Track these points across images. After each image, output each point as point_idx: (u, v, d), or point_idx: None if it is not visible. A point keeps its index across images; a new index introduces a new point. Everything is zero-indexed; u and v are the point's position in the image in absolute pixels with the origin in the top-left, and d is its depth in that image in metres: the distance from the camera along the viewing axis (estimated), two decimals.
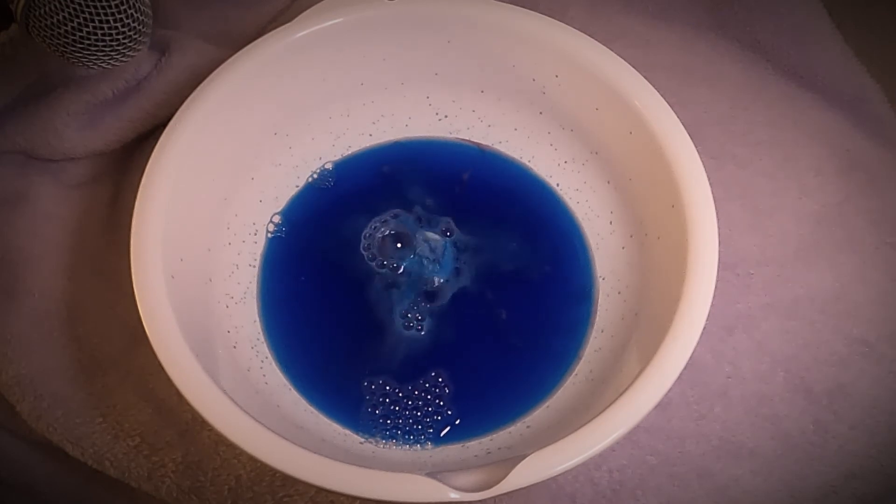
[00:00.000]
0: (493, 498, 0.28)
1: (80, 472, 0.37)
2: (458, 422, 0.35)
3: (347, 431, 0.35)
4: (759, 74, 0.45)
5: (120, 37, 0.35)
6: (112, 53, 0.35)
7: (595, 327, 0.37)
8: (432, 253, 0.38)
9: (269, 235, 0.40)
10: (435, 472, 0.28)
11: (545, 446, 0.29)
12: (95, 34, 0.34)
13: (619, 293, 0.37)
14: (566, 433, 0.29)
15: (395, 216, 0.40)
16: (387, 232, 0.39)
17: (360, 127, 0.41)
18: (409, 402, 0.36)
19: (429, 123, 0.42)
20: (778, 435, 0.36)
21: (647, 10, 0.47)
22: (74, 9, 0.33)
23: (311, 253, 0.39)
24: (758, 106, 0.44)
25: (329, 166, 0.41)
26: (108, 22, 0.34)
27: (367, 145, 0.42)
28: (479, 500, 0.28)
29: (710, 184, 0.33)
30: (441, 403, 0.36)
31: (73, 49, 0.34)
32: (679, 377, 0.30)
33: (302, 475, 0.28)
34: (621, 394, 0.30)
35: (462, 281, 0.38)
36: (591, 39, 0.37)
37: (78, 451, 0.36)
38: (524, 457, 0.28)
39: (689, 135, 0.34)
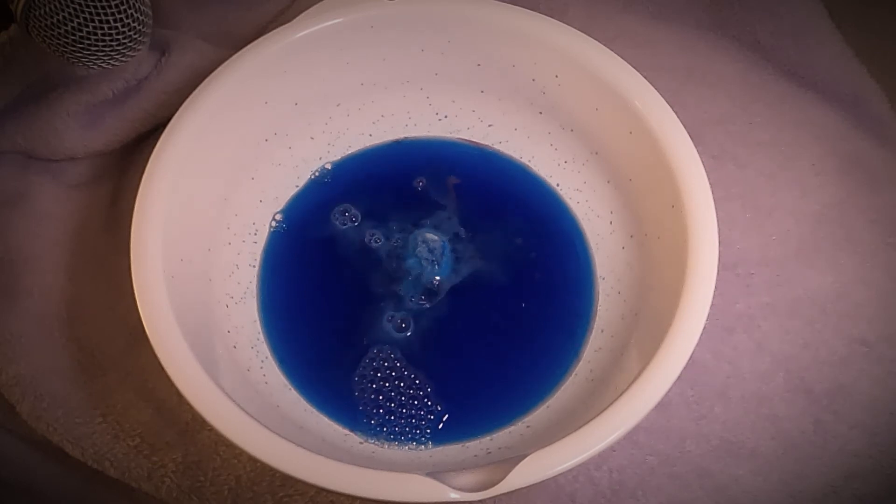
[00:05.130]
0: (493, 498, 0.28)
1: (80, 472, 0.37)
2: (457, 422, 0.35)
3: (347, 431, 0.35)
4: (759, 74, 0.45)
5: (120, 37, 0.35)
6: (112, 53, 0.35)
7: (595, 327, 0.37)
8: (431, 254, 0.38)
9: (269, 236, 0.40)
10: (435, 472, 0.28)
11: (545, 446, 0.29)
12: (95, 34, 0.34)
13: (619, 293, 0.37)
14: (566, 433, 0.29)
15: (395, 217, 0.40)
16: (386, 233, 0.39)
17: (360, 127, 0.41)
18: (409, 403, 0.36)
19: (429, 123, 0.42)
20: (778, 435, 0.36)
21: (647, 10, 0.47)
22: (74, 9, 0.33)
23: (311, 253, 0.39)
24: (758, 106, 0.44)
25: (329, 166, 0.41)
26: (108, 22, 0.34)
27: (367, 145, 0.42)
28: (479, 500, 0.28)
29: (710, 184, 0.33)
30: (440, 404, 0.36)
31: (73, 49, 0.34)
32: (679, 377, 0.30)
33: (302, 475, 0.28)
34: (621, 394, 0.30)
35: (461, 281, 0.38)
36: (591, 39, 0.37)
37: (78, 451, 0.36)
38: (524, 457, 0.28)
39: (689, 135, 0.34)
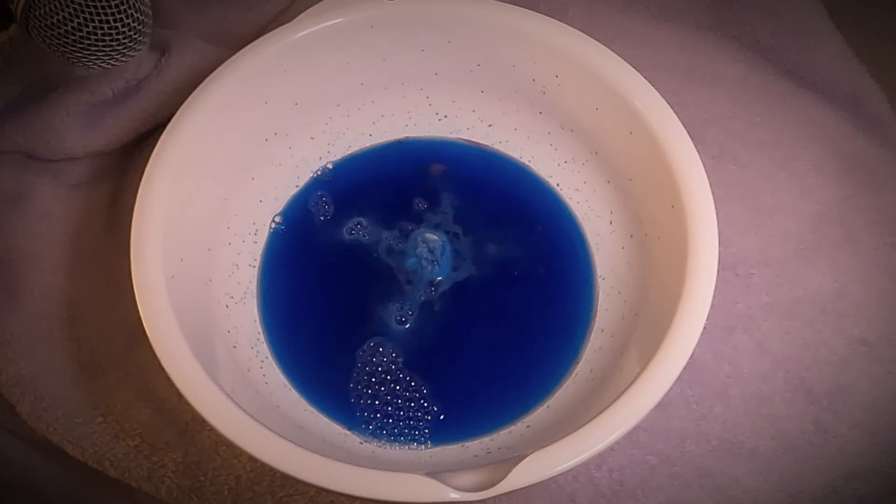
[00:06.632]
0: (493, 498, 0.28)
1: (80, 472, 0.37)
2: (457, 422, 0.35)
3: (347, 431, 0.35)
4: (759, 74, 0.45)
5: (120, 37, 0.35)
6: (112, 53, 0.35)
7: (595, 327, 0.37)
8: (431, 254, 0.38)
9: (270, 235, 0.40)
10: (435, 472, 0.28)
11: (545, 446, 0.29)
12: (95, 34, 0.34)
13: (619, 293, 0.37)
14: (566, 433, 0.29)
15: (395, 217, 0.40)
16: (386, 233, 0.39)
17: (360, 127, 0.41)
18: (406, 405, 0.36)
19: (429, 123, 0.42)
20: (778, 435, 0.36)
21: (647, 10, 0.47)
22: (74, 9, 0.33)
23: (311, 253, 0.39)
24: (758, 106, 0.44)
25: (329, 166, 0.41)
26: (108, 22, 0.34)
27: (367, 145, 0.42)
28: (479, 500, 0.28)
29: (710, 184, 0.33)
30: (436, 405, 0.36)
31: (73, 49, 0.34)
32: (679, 377, 0.30)
33: (302, 475, 0.28)
34: (621, 394, 0.30)
35: (461, 281, 0.38)
36: (591, 39, 0.37)
37: (78, 451, 0.36)
38: (524, 457, 0.28)
39: (689, 135, 0.34)
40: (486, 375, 0.37)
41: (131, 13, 0.34)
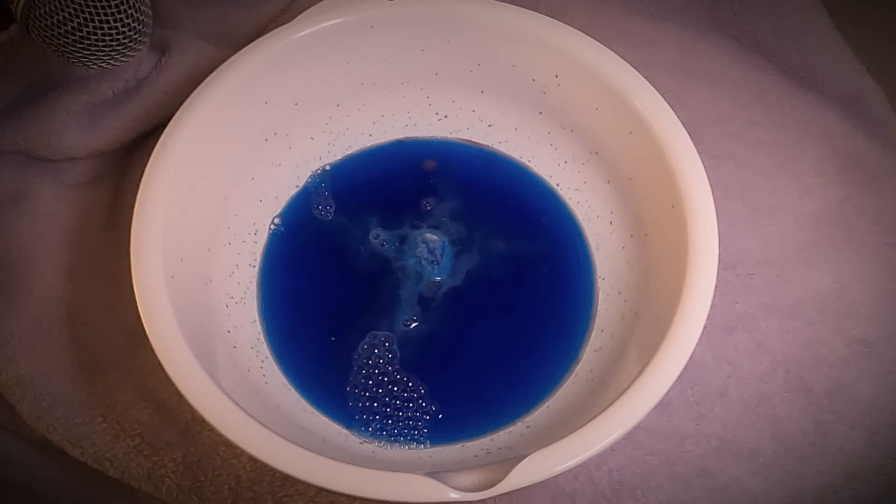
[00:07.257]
0: (493, 498, 0.28)
1: (80, 472, 0.37)
2: (457, 422, 0.35)
3: (347, 432, 0.35)
4: (759, 74, 0.45)
5: (120, 37, 0.35)
6: (112, 53, 0.35)
7: (595, 327, 0.37)
8: (430, 254, 0.38)
9: (269, 235, 0.40)
10: (435, 472, 0.28)
11: (545, 446, 0.29)
12: (95, 34, 0.34)
13: (619, 293, 0.37)
14: (566, 433, 0.29)
15: (394, 217, 0.40)
16: (386, 233, 0.39)
17: (360, 127, 0.41)
18: (404, 406, 0.36)
19: (429, 123, 0.42)
20: (778, 435, 0.36)
21: (647, 10, 0.47)
22: (74, 9, 0.33)
23: (311, 253, 0.39)
24: (758, 106, 0.44)
25: (329, 166, 0.41)
26: (108, 22, 0.34)
27: (367, 145, 0.42)
28: (479, 500, 0.28)
29: (710, 184, 0.33)
30: (434, 404, 0.36)
31: (73, 49, 0.34)
32: (679, 377, 0.30)
33: (302, 475, 0.28)
34: (621, 394, 0.30)
35: (461, 281, 0.38)
36: (591, 39, 0.37)
37: (78, 451, 0.36)
38: (524, 457, 0.28)
39: (689, 135, 0.34)
40: (485, 375, 0.37)
41: (131, 13, 0.34)
